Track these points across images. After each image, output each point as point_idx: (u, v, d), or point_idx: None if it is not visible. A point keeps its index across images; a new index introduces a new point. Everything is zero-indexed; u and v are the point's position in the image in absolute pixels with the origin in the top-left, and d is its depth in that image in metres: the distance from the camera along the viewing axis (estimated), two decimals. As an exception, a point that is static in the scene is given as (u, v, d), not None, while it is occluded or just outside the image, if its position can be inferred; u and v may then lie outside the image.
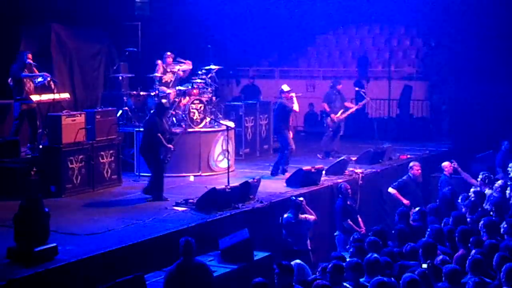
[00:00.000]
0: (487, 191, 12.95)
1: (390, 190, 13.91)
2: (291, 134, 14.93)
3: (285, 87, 15.03)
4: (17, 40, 16.34)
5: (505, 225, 10.12)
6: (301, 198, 12.38)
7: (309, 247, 12.27)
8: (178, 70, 15.72)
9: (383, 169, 15.89)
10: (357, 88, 17.16)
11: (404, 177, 14.06)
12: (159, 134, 12.58)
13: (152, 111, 13.19)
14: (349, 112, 16.89)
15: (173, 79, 15.75)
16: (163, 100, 13.23)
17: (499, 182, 13.12)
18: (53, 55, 16.59)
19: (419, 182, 14.29)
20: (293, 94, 14.89)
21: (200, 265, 9.18)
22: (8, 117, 14.91)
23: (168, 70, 15.81)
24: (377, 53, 23.77)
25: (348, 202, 13.19)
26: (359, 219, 13.24)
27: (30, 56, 13.90)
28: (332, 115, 16.75)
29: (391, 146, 17.14)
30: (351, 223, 12.94)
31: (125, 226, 10.82)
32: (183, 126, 14.77)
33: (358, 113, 18.42)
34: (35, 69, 13.98)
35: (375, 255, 8.78)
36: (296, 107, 14.90)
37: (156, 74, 15.54)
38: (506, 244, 9.34)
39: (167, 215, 11.58)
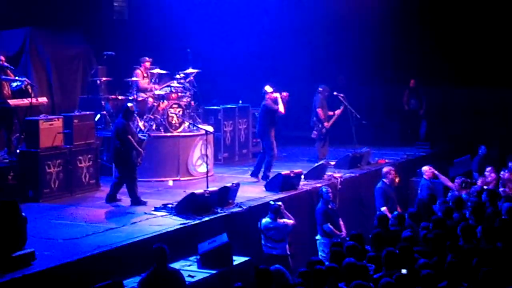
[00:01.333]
0: (464, 195, 13.08)
1: (383, 209, 13.74)
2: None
3: (268, 88, 14.85)
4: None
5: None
6: (280, 203, 12.42)
7: (288, 252, 12.31)
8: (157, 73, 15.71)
9: (362, 174, 15.98)
10: (335, 93, 17.21)
11: (379, 184, 14.13)
12: (130, 137, 12.58)
13: (119, 116, 13.13)
14: (333, 119, 16.90)
15: (149, 83, 15.76)
16: (129, 104, 13.21)
17: (476, 186, 13.26)
18: (30, 59, 16.51)
19: (395, 187, 14.38)
20: (277, 95, 14.79)
21: (173, 272, 9.19)
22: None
23: (145, 75, 15.82)
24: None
25: (330, 206, 13.25)
26: (341, 223, 13.30)
27: (3, 58, 13.86)
28: (326, 123, 16.75)
29: (369, 151, 17.24)
30: (331, 227, 13.01)
31: (104, 231, 10.82)
32: (151, 131, 14.74)
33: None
34: (9, 72, 13.93)
35: (353, 259, 8.84)
36: (281, 108, 14.76)
37: (134, 79, 15.53)
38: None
39: (146, 219, 11.58)
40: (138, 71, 15.76)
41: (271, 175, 14.44)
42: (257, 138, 17.71)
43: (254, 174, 14.96)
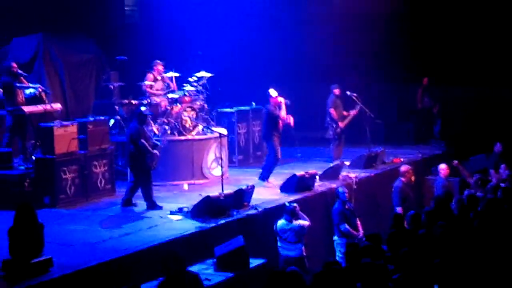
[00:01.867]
0: (480, 193, 13.05)
1: (399, 209, 13.70)
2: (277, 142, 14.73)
3: (273, 92, 14.72)
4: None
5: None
6: (295, 204, 12.42)
7: (304, 253, 12.32)
8: (171, 78, 15.76)
9: (377, 173, 15.96)
10: (348, 93, 17.19)
11: (397, 183, 14.10)
12: (143, 141, 12.62)
13: (132, 120, 13.19)
14: (349, 120, 16.89)
15: (164, 87, 15.81)
16: (142, 108, 13.24)
17: (491, 183, 13.21)
18: (43, 65, 16.60)
19: (412, 185, 14.36)
20: (282, 100, 14.69)
21: (192, 276, 9.16)
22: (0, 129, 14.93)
23: (159, 78, 15.87)
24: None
25: (347, 206, 13.23)
26: (358, 223, 13.29)
27: (15, 65, 13.94)
28: (340, 123, 16.75)
29: (384, 150, 17.21)
30: (348, 227, 12.99)
31: (120, 236, 10.86)
32: (167, 135, 14.75)
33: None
34: (23, 79, 14.01)
35: (369, 260, 8.83)
36: (283, 113, 14.62)
37: (146, 83, 15.59)
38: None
39: (162, 224, 11.61)
40: (150, 74, 15.81)
41: (285, 176, 14.44)
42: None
43: (262, 177, 14.88)
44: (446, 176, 14.72)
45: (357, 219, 13.33)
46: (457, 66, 21.08)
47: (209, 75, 15.91)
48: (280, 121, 14.65)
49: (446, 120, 20.62)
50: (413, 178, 14.30)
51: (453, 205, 12.71)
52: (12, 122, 13.86)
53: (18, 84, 13.73)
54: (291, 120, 14.75)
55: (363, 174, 15.58)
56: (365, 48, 22.03)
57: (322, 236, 13.52)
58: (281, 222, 12.21)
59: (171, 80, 15.85)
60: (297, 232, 12.13)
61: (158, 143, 13.23)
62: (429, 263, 8.99)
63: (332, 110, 16.74)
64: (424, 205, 15.18)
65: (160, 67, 15.86)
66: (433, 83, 20.82)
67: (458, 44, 21.19)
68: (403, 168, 14.35)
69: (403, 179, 14.08)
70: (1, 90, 13.93)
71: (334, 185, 14.23)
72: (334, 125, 16.77)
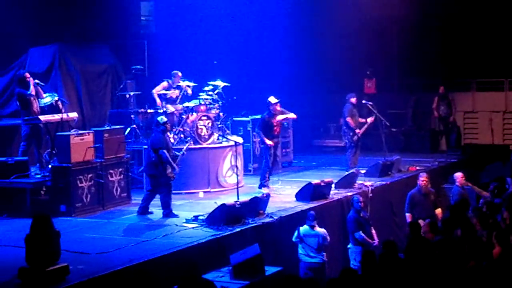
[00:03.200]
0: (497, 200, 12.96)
1: (407, 215, 13.76)
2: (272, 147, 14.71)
3: (272, 99, 14.72)
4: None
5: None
6: (312, 212, 12.45)
7: (326, 259, 12.35)
8: (186, 86, 15.82)
9: (393, 181, 15.90)
10: (363, 101, 17.15)
11: (413, 190, 14.03)
12: (165, 151, 12.64)
13: (153, 129, 13.22)
14: (365, 128, 16.86)
15: (179, 95, 15.85)
16: (164, 118, 13.25)
17: (509, 191, 13.11)
18: (60, 75, 16.68)
19: (428, 194, 14.27)
20: (281, 109, 14.74)
21: (207, 284, 9.17)
22: (16, 138, 15.01)
23: (174, 86, 15.93)
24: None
25: (361, 214, 13.19)
26: (373, 231, 13.24)
27: (27, 74, 14.01)
28: (357, 131, 16.71)
29: (400, 158, 17.15)
30: (363, 235, 12.94)
31: (136, 244, 10.85)
32: (188, 145, 14.75)
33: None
34: (40, 89, 14.06)
35: (386, 268, 8.79)
36: (278, 117, 14.66)
37: (159, 89, 15.67)
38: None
39: (177, 232, 11.60)
40: (164, 82, 15.90)
41: (301, 184, 14.40)
42: (286, 148, 17.82)
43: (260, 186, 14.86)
44: (462, 184, 14.63)
45: (372, 227, 13.27)
46: (473, 73, 21.01)
47: (224, 84, 15.94)
48: (275, 128, 14.64)
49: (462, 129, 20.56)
50: (428, 186, 14.22)
51: (469, 213, 12.65)
52: (28, 131, 13.93)
53: (28, 92, 13.74)
54: (292, 115, 14.83)
55: (378, 182, 15.54)
56: (381, 57, 22.04)
57: (337, 244, 13.46)
58: (304, 228, 12.22)
59: (184, 90, 15.86)
60: (324, 238, 12.18)
61: (179, 153, 13.21)
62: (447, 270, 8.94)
63: (349, 119, 16.72)
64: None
65: (176, 78, 15.93)
66: (449, 91, 20.77)
67: (475, 52, 21.13)
68: (420, 175, 14.30)
69: (419, 185, 14.03)
70: (18, 102, 14.02)
71: (349, 193, 14.17)
72: (350, 133, 16.75)
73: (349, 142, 16.82)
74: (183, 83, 15.86)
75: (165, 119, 13.07)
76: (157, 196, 12.92)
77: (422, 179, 14.02)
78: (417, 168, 17.08)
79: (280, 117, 14.75)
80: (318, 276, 11.70)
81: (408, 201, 13.87)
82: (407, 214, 13.67)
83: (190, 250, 10.55)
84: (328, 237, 12.31)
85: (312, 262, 12.19)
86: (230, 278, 10.28)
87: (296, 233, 12.24)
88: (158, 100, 15.83)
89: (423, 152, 19.68)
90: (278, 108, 14.69)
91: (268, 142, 14.61)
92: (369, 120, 16.83)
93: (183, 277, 8.73)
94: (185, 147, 13.76)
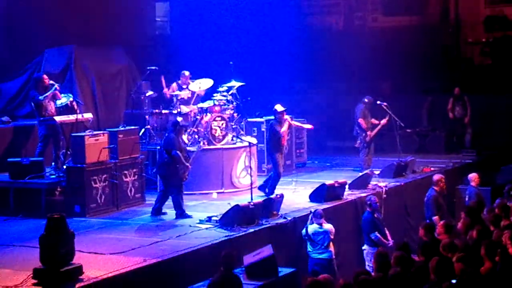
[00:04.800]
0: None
1: (435, 218, 13.52)
2: (282, 159, 14.55)
3: (279, 107, 14.50)
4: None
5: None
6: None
7: (334, 256, 12.37)
8: (199, 88, 15.83)
9: (407, 182, 15.83)
10: (378, 102, 17.08)
11: (430, 192, 13.93)
12: (178, 152, 12.64)
13: (169, 129, 13.24)
14: (378, 129, 16.77)
15: (190, 96, 15.87)
16: (179, 118, 13.24)
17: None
18: (75, 76, 16.72)
19: (444, 195, 14.21)
20: (287, 117, 14.51)
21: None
22: (32, 138, 15.06)
23: (184, 87, 15.96)
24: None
25: (376, 215, 13.14)
26: (387, 232, 13.18)
27: (46, 77, 14.05)
28: (369, 132, 16.65)
29: (414, 159, 17.07)
30: (379, 235, 12.89)
31: (150, 244, 10.85)
32: (202, 144, 14.74)
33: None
34: (57, 92, 14.08)
35: (400, 269, 8.73)
36: (284, 129, 14.38)
37: (165, 91, 15.70)
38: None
39: (191, 232, 11.59)
40: (174, 84, 15.97)
41: (314, 184, 14.35)
42: (299, 149, 17.79)
43: (262, 187, 14.63)
44: (478, 185, 14.54)
45: (386, 228, 13.21)
46: (488, 75, 20.90)
47: (239, 84, 15.91)
48: (282, 138, 14.48)
49: (477, 130, 20.42)
50: (445, 187, 14.15)
51: (484, 214, 12.56)
52: (44, 132, 13.98)
53: (40, 98, 13.73)
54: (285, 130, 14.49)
55: (392, 183, 15.46)
56: (397, 58, 21.96)
57: (351, 245, 13.43)
58: (313, 227, 12.21)
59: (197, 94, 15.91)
60: (329, 234, 12.19)
61: (194, 150, 13.19)
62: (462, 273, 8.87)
63: (361, 120, 16.65)
64: (455, 214, 15.02)
65: (184, 78, 15.97)
66: (464, 92, 20.65)
67: (488, 51, 21.03)
68: (436, 177, 14.20)
69: (436, 188, 13.93)
70: (32, 103, 14.08)
71: (363, 194, 14.12)
72: (363, 134, 16.68)
73: (362, 143, 16.76)
74: (193, 84, 15.88)
75: (180, 121, 13.09)
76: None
77: (444, 181, 13.91)
78: (432, 169, 17.00)
79: (284, 129, 14.48)
80: (326, 272, 11.68)
81: (432, 204, 13.71)
82: (435, 218, 13.42)
83: (204, 250, 10.53)
84: (333, 230, 12.29)
85: (320, 258, 12.19)
86: (243, 279, 10.25)
87: (304, 231, 12.22)
88: (174, 99, 15.87)
89: (437, 153, 19.57)
90: (285, 116, 14.55)
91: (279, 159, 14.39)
92: (382, 122, 16.75)
93: (227, 266, 9.41)
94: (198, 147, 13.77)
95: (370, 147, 16.83)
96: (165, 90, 16.21)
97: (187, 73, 16.16)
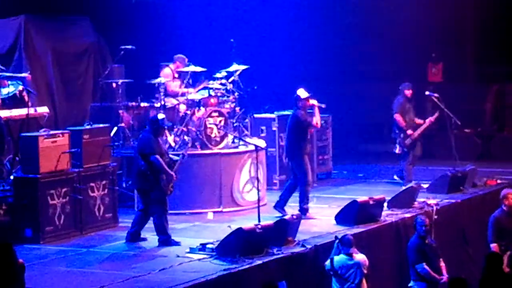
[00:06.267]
0: None
1: (493, 246, 13.57)
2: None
3: (302, 93, 14.54)
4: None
5: None
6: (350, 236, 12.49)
7: None
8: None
9: (465, 199, 15.87)
10: (427, 93, 17.09)
11: (496, 213, 13.93)
12: (157, 156, 12.65)
13: (145, 129, 13.25)
14: (423, 129, 16.74)
15: (181, 86, 15.89)
16: (160, 115, 13.22)
17: None
18: (25, 57, 16.74)
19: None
20: (314, 102, 14.56)
21: None
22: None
23: (176, 75, 15.93)
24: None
25: (427, 241, 13.14)
26: (442, 264, 13.18)
27: None
28: (409, 132, 16.69)
29: (475, 169, 17.08)
30: (427, 267, 12.88)
31: (124, 281, 10.87)
32: (190, 147, 14.77)
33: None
34: (5, 81, 14.12)
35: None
36: (317, 120, 14.53)
37: (162, 80, 15.64)
38: None
39: (178, 265, 11.62)
40: (167, 69, 15.89)
41: (343, 202, 14.39)
42: (323, 155, 17.79)
43: (279, 206, 14.64)
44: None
45: (441, 259, 13.21)
46: None
47: (242, 67, 15.94)
48: (312, 130, 14.60)
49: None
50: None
51: None
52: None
53: None
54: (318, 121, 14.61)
55: (446, 200, 15.53)
56: (452, 36, 22.06)
57: (391, 282, 13.45)
58: (339, 258, 12.21)
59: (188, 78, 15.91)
60: (360, 267, 12.14)
61: (177, 157, 13.22)
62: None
63: (398, 116, 16.61)
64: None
65: (181, 63, 15.96)
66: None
67: None
68: (504, 192, 14.19)
69: (504, 208, 13.91)
70: None
71: (408, 215, 14.17)
72: (401, 135, 16.64)
73: (401, 147, 16.72)
74: (186, 69, 15.86)
75: (160, 118, 13.01)
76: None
77: (511, 197, 13.92)
78: (498, 181, 17.03)
79: (317, 119, 14.52)
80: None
81: (492, 228, 13.74)
82: (493, 245, 13.50)
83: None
84: (367, 262, 12.25)
85: None
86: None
87: (328, 263, 12.20)
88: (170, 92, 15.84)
89: (506, 160, 19.59)
90: (311, 101, 14.55)
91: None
92: (429, 119, 16.68)
93: None
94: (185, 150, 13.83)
95: (414, 152, 16.77)
96: (167, 81, 16.00)
97: (185, 58, 16.08)
